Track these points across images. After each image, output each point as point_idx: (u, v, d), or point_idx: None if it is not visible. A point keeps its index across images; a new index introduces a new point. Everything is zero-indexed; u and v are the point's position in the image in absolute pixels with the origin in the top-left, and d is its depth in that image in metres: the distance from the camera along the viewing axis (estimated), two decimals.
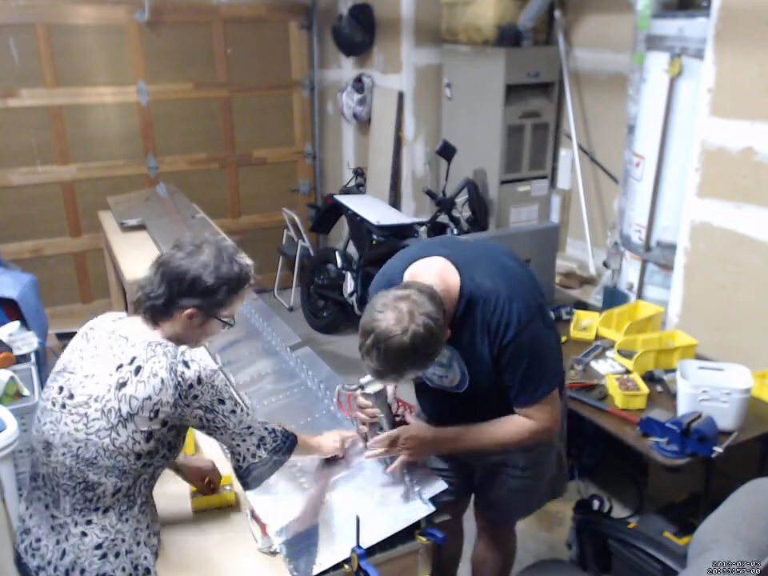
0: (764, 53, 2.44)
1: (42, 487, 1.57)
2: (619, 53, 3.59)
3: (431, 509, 1.67)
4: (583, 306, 3.29)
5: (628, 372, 2.63)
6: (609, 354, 2.82)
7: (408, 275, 1.72)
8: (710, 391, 2.27)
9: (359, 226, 4.18)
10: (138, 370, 1.49)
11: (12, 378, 2.47)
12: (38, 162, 4.61)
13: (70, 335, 1.76)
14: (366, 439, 1.89)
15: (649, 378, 2.61)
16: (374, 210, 4.15)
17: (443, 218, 3.93)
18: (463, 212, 3.98)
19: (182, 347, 1.54)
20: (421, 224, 3.96)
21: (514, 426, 1.75)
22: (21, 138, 4.52)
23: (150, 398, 1.47)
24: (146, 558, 1.55)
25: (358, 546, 1.54)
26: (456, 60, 4.21)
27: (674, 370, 2.50)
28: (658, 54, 2.96)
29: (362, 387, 1.77)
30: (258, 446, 1.61)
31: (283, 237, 5.33)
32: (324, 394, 2.19)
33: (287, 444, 1.67)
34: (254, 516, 1.73)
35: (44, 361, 3.06)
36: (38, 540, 1.56)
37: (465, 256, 1.73)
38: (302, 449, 1.75)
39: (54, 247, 4.80)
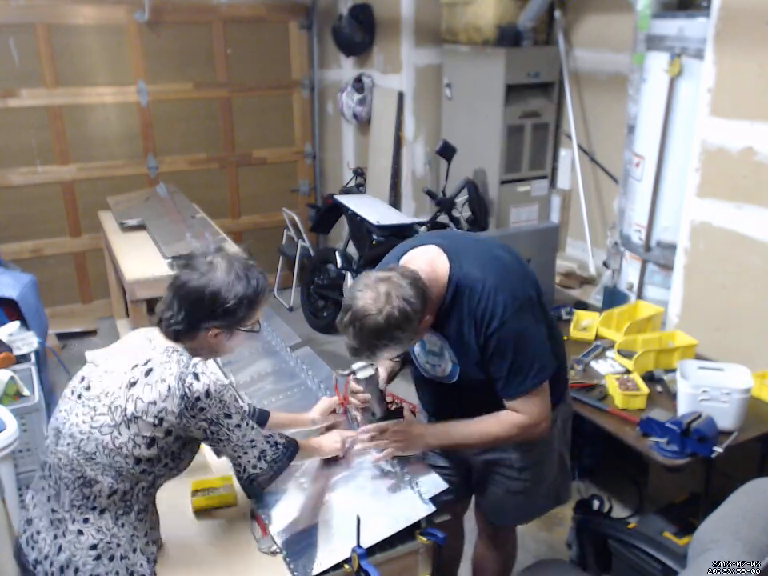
0: (764, 53, 2.44)
1: (47, 477, 1.58)
2: (619, 53, 3.59)
3: (431, 509, 1.68)
4: (583, 305, 3.29)
5: (628, 372, 2.63)
6: (609, 353, 2.82)
7: (403, 262, 1.74)
8: (710, 391, 2.27)
9: (359, 225, 4.18)
10: (148, 372, 1.50)
11: (12, 378, 2.48)
12: (37, 162, 4.61)
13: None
14: (357, 424, 1.92)
15: (649, 378, 2.61)
16: (374, 209, 4.15)
17: (443, 218, 3.93)
18: (463, 212, 3.98)
19: (195, 359, 1.54)
20: (421, 224, 3.95)
21: (502, 421, 1.75)
22: (21, 138, 4.52)
23: (154, 402, 1.47)
24: (141, 565, 1.54)
25: (359, 545, 1.54)
26: (456, 60, 4.21)
27: (673, 370, 2.50)
28: (658, 54, 2.96)
29: (353, 372, 1.82)
30: (259, 459, 1.62)
31: (283, 237, 5.33)
32: (324, 394, 2.19)
33: (288, 454, 1.68)
34: (254, 516, 1.74)
35: (44, 361, 3.06)
36: (38, 533, 1.57)
37: (458, 246, 1.75)
38: (303, 452, 1.76)
39: (53, 247, 4.80)
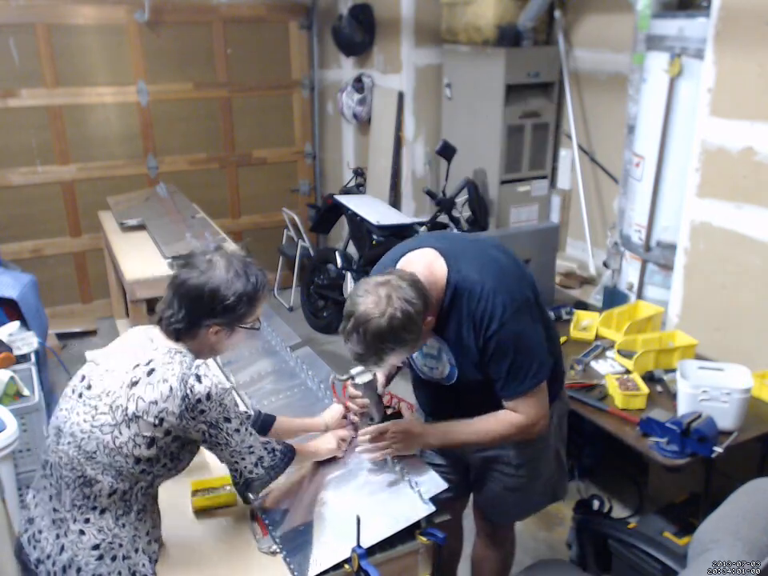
0: (764, 53, 2.44)
1: (48, 476, 1.58)
2: (619, 53, 3.59)
3: (431, 508, 1.67)
4: (583, 305, 3.29)
5: (628, 372, 2.63)
6: (609, 353, 2.82)
7: (400, 266, 1.74)
8: (710, 391, 2.27)
9: (359, 225, 4.18)
10: (150, 371, 1.50)
11: (12, 378, 2.48)
12: (38, 162, 4.61)
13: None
14: (356, 429, 1.91)
15: (649, 378, 2.61)
16: (374, 209, 4.15)
17: (443, 218, 3.93)
18: (463, 212, 3.98)
19: (198, 360, 1.54)
20: (421, 224, 3.95)
21: (501, 421, 1.76)
22: (21, 138, 4.52)
23: (155, 402, 1.47)
24: (143, 565, 1.55)
25: (359, 545, 1.54)
26: (456, 60, 4.21)
27: (673, 370, 2.50)
28: (658, 54, 2.96)
29: (352, 378, 1.82)
30: (256, 465, 1.62)
31: (283, 237, 5.33)
32: (324, 394, 2.19)
33: (285, 460, 1.69)
34: (254, 516, 1.74)
35: (44, 361, 3.06)
36: (40, 532, 1.57)
37: (455, 248, 1.75)
38: (300, 456, 1.77)
39: (53, 247, 4.80)
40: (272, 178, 5.35)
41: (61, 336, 4.48)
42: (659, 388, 2.58)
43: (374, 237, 4.06)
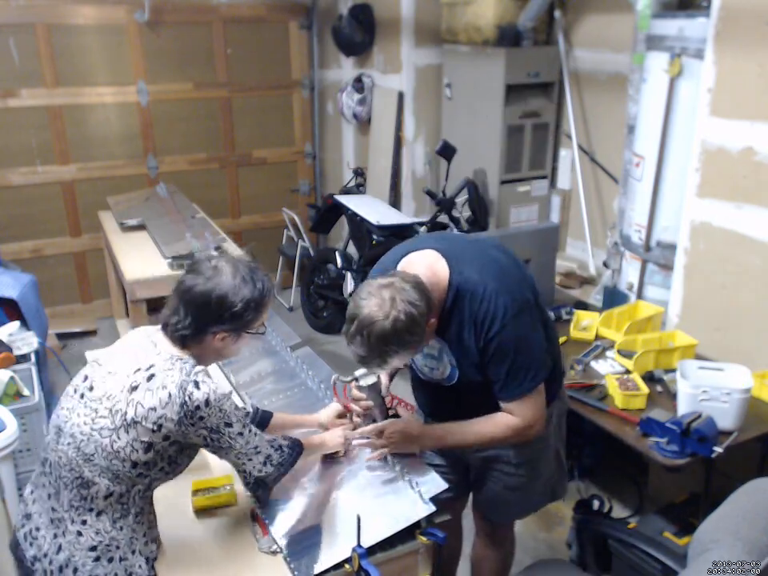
0: (764, 53, 2.44)
1: (47, 474, 1.58)
2: (619, 53, 3.59)
3: (432, 508, 1.68)
4: (583, 306, 3.29)
5: (628, 372, 2.63)
6: (609, 353, 2.82)
7: (401, 267, 1.75)
8: (710, 391, 2.27)
9: (359, 226, 4.18)
10: (150, 377, 1.50)
11: (12, 378, 2.48)
12: (38, 162, 4.61)
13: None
14: (356, 428, 1.92)
15: (649, 378, 2.61)
16: (374, 209, 4.15)
17: (443, 218, 3.93)
18: (463, 212, 3.98)
19: (198, 367, 1.54)
20: (421, 224, 3.96)
21: (498, 423, 1.77)
22: (21, 138, 4.52)
23: (154, 408, 1.47)
24: (140, 566, 1.55)
25: (359, 545, 1.54)
26: (456, 60, 4.21)
27: (674, 370, 2.50)
28: (658, 54, 2.96)
29: (356, 379, 1.83)
30: (265, 463, 1.63)
31: (283, 237, 5.33)
32: (324, 394, 2.19)
33: (293, 455, 1.69)
34: (254, 516, 1.74)
35: (44, 361, 3.07)
36: (38, 529, 1.57)
37: (456, 250, 1.75)
38: (307, 450, 1.77)
39: (53, 247, 4.80)
40: (272, 177, 5.35)
41: (61, 336, 4.48)
42: (659, 388, 2.58)
43: (374, 237, 4.06)
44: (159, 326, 1.61)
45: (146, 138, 4.86)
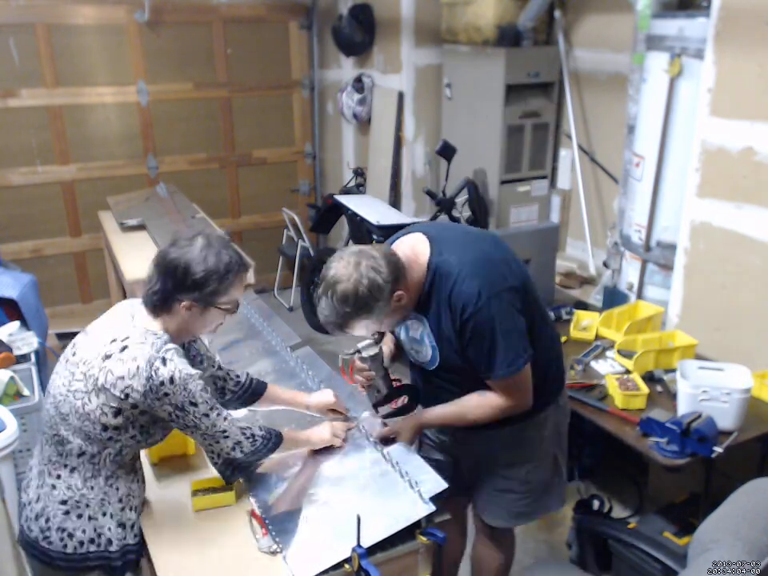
0: (764, 53, 2.44)
1: (42, 427, 1.70)
2: (619, 53, 3.59)
3: (432, 508, 1.67)
4: (583, 306, 3.29)
5: (628, 372, 2.63)
6: (609, 353, 2.82)
7: (393, 248, 1.82)
8: (710, 391, 2.27)
9: (359, 226, 4.18)
10: (123, 348, 1.57)
11: (12, 378, 2.48)
12: (38, 161, 4.61)
13: (70, 335, 1.84)
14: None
15: (649, 378, 2.61)
16: (374, 209, 4.15)
17: (443, 218, 3.93)
18: (463, 212, 3.98)
19: (169, 345, 1.59)
20: None
21: (485, 405, 1.82)
22: (21, 138, 4.52)
23: (122, 378, 1.54)
24: (110, 529, 1.63)
25: (359, 545, 1.54)
26: (456, 60, 4.21)
27: (674, 370, 2.50)
28: (658, 54, 2.96)
29: (359, 351, 1.90)
30: (233, 449, 1.67)
31: (283, 237, 5.33)
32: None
33: (267, 446, 1.74)
34: (254, 516, 1.74)
35: (44, 361, 3.06)
36: (30, 480, 1.70)
37: (443, 235, 1.82)
38: (290, 443, 1.84)
39: (53, 247, 4.80)
40: (272, 178, 5.35)
41: (61, 336, 4.47)
42: (659, 388, 2.58)
43: (374, 237, 4.06)
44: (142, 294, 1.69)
45: (146, 138, 4.86)
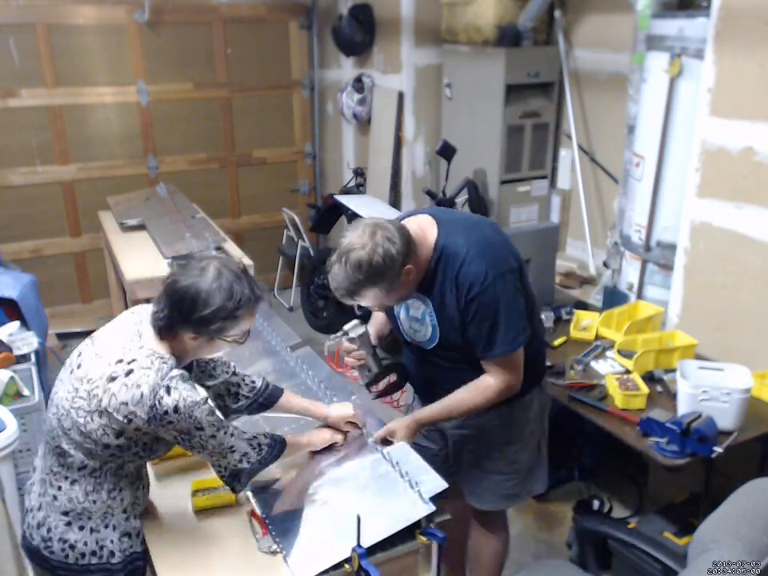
0: (764, 53, 2.44)
1: (45, 434, 1.66)
2: (619, 53, 3.59)
3: (431, 508, 1.67)
4: (583, 306, 3.29)
5: (628, 372, 2.63)
6: (609, 353, 2.82)
7: None
8: (710, 391, 2.27)
9: None
10: (129, 372, 1.52)
11: (12, 378, 2.48)
12: (38, 161, 4.61)
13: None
14: (367, 384, 2.02)
15: (649, 378, 2.61)
16: (374, 210, 4.15)
17: None
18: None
19: (174, 372, 1.54)
20: None
21: (477, 390, 1.87)
22: (21, 138, 4.52)
23: (126, 404, 1.50)
24: (112, 541, 1.61)
25: (359, 545, 1.54)
26: (456, 60, 4.21)
27: (674, 370, 2.50)
28: (658, 54, 2.96)
29: (345, 333, 1.93)
30: (241, 460, 1.64)
31: (283, 237, 5.33)
32: (324, 394, 2.19)
33: (273, 454, 1.72)
34: (254, 516, 1.74)
35: (44, 361, 3.06)
36: (33, 483, 1.68)
37: (449, 218, 1.87)
38: (294, 448, 1.82)
39: (53, 247, 4.80)
40: (272, 178, 5.34)
41: (61, 336, 4.48)
42: (659, 388, 2.58)
43: None
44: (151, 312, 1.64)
45: (146, 138, 4.86)
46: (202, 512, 1.78)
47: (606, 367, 2.71)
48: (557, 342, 2.89)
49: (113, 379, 1.52)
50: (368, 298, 1.76)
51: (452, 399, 1.90)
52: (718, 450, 2.19)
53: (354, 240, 1.68)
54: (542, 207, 4.25)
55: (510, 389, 1.87)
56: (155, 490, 1.84)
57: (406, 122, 4.53)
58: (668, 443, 2.22)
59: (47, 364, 3.21)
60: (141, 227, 3.92)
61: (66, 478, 1.60)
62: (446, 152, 3.79)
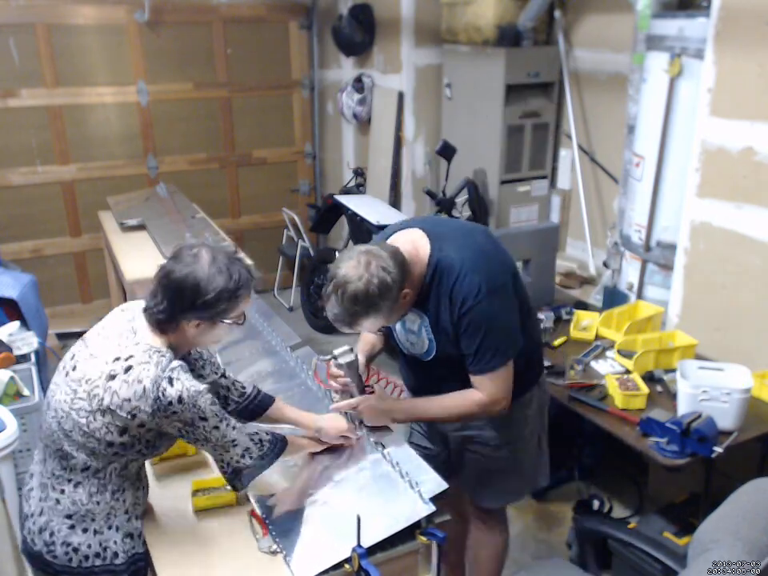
0: (764, 53, 2.44)
1: (44, 439, 1.65)
2: (619, 53, 3.59)
3: (432, 508, 1.67)
4: (583, 306, 3.29)
5: (628, 372, 2.63)
6: (609, 353, 2.82)
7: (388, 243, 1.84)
8: (710, 391, 2.27)
9: (359, 226, 4.18)
10: (128, 369, 1.52)
11: (12, 378, 2.48)
12: (38, 162, 4.61)
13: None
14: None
15: (649, 378, 2.61)
16: (374, 210, 4.15)
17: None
18: (463, 212, 3.98)
19: (174, 363, 1.54)
20: None
21: (465, 398, 1.86)
22: (21, 138, 4.52)
23: (129, 400, 1.50)
24: (115, 542, 1.61)
25: (359, 545, 1.54)
26: (456, 60, 4.21)
27: (674, 370, 2.50)
28: (658, 54, 2.96)
29: (335, 357, 1.92)
30: (243, 456, 1.64)
31: (283, 237, 5.33)
32: (324, 394, 2.19)
33: (275, 451, 1.71)
34: (254, 516, 1.74)
35: (44, 361, 3.06)
36: (31, 489, 1.66)
37: (440, 230, 1.86)
38: (295, 448, 1.82)
39: (53, 247, 4.80)
40: (272, 178, 5.34)
41: (61, 336, 4.48)
42: (659, 388, 2.58)
43: (374, 237, 4.06)
44: (143, 311, 1.63)
45: (146, 138, 4.86)
46: (202, 512, 1.78)
47: (606, 367, 2.71)
48: (557, 342, 2.89)
49: (112, 377, 1.52)
50: (367, 326, 1.77)
51: (434, 401, 1.91)
52: (718, 450, 2.19)
53: (349, 272, 1.67)
54: (542, 207, 4.25)
55: (495, 404, 1.85)
56: (155, 490, 1.84)
57: (405, 122, 4.54)
58: (668, 443, 2.22)
59: (47, 364, 3.20)
60: (141, 227, 3.92)
61: (69, 480, 1.59)
62: (446, 152, 3.79)
